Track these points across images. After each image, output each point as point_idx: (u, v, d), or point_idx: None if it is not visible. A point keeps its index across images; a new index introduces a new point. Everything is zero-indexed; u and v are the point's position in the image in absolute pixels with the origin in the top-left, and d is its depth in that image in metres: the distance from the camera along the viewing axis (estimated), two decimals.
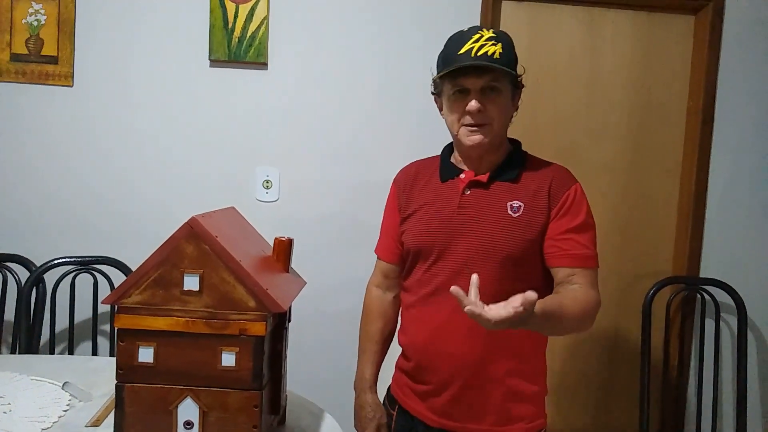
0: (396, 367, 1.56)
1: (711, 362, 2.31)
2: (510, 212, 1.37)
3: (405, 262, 1.51)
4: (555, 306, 1.26)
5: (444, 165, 1.49)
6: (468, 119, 1.37)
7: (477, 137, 1.37)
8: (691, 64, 2.35)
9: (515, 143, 1.50)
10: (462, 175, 1.44)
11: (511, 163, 1.44)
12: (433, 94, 1.48)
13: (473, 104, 1.34)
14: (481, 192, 1.40)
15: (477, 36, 1.35)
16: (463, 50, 1.34)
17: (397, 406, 1.52)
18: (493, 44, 1.34)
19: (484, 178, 1.41)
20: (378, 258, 1.62)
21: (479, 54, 1.32)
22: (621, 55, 2.33)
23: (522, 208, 1.38)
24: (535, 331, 1.31)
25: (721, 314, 2.29)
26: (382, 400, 1.59)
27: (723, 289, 2.27)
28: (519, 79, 1.41)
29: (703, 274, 2.34)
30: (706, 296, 2.28)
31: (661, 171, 2.37)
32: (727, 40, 2.28)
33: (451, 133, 1.45)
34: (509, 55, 1.37)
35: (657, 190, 2.38)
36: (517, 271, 1.36)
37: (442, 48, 1.42)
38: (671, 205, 2.39)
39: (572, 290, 1.35)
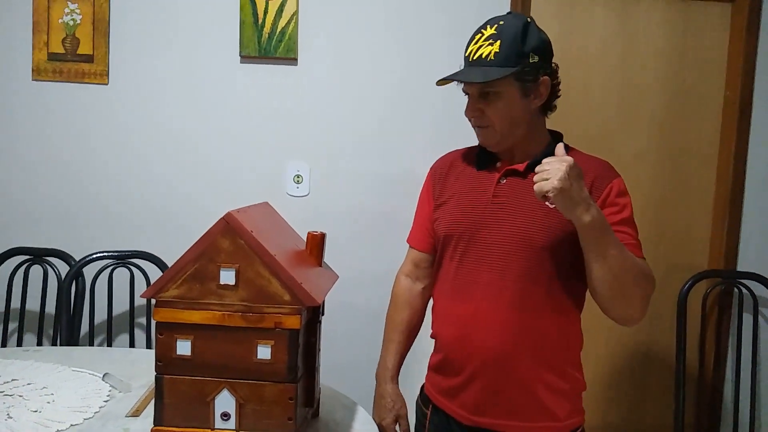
0: (429, 365, 1.54)
1: (749, 358, 2.25)
2: (546, 203, 1.31)
3: (437, 252, 1.49)
4: (617, 238, 1.23)
5: (482, 153, 1.46)
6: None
7: (482, 139, 1.42)
8: (727, 53, 2.29)
9: (557, 136, 1.45)
10: (498, 164, 1.42)
11: (550, 154, 1.36)
12: None
13: (466, 111, 1.40)
14: (518, 181, 1.37)
15: (477, 36, 1.35)
16: (467, 53, 1.37)
17: (431, 405, 1.49)
18: (489, 44, 1.31)
19: (521, 167, 1.38)
20: (409, 246, 1.60)
21: (475, 58, 1.34)
22: (654, 44, 2.29)
23: None
24: (589, 238, 1.22)
25: (760, 309, 2.24)
26: (415, 399, 1.57)
27: (761, 282, 2.22)
28: (531, 67, 1.31)
29: (740, 268, 2.28)
30: (744, 290, 2.23)
31: (696, 162, 2.32)
32: (765, 28, 2.22)
33: None
34: (509, 51, 1.29)
35: (692, 181, 2.33)
36: (548, 264, 1.33)
37: (468, 40, 1.41)
38: (707, 197, 2.33)
39: None
